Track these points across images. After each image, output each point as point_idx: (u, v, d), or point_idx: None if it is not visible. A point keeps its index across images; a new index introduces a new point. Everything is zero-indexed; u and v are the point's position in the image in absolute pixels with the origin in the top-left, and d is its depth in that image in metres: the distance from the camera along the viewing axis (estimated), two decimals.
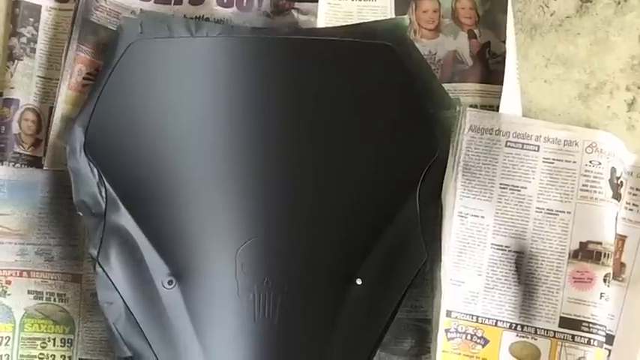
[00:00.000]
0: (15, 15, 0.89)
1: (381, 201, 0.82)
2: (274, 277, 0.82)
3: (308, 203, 0.83)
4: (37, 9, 0.89)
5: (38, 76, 0.88)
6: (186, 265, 0.82)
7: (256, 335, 0.82)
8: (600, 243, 0.81)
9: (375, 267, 0.81)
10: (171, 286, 0.81)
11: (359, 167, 0.83)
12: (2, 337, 0.84)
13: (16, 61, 0.88)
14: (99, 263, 0.79)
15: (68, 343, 0.85)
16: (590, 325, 0.80)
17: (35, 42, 0.89)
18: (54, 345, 0.85)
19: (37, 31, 0.89)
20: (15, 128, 0.87)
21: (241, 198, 0.83)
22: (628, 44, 0.89)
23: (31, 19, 0.89)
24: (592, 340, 0.80)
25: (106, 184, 0.81)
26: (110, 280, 0.79)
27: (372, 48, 0.83)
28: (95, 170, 0.81)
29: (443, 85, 0.85)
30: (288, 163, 0.83)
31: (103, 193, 0.80)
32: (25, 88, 0.88)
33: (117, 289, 0.79)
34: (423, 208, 0.81)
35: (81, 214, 0.80)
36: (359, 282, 0.81)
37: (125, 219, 0.80)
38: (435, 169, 0.81)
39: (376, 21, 0.87)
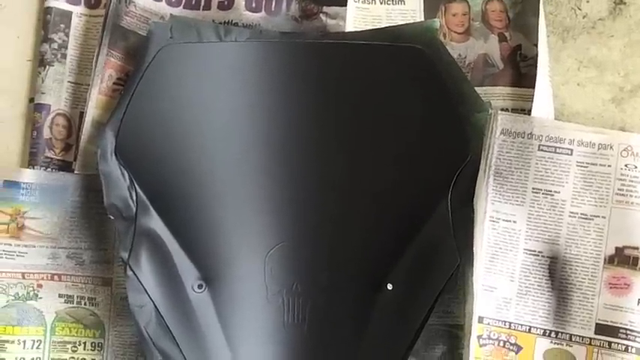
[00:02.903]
0: (46, 21, 0.89)
1: (413, 205, 0.81)
2: (303, 282, 0.82)
3: (338, 208, 0.82)
4: (67, 15, 0.90)
5: (69, 82, 0.89)
6: (216, 269, 0.81)
7: (286, 341, 0.81)
8: (637, 248, 0.79)
9: (406, 272, 0.80)
10: (201, 290, 0.81)
11: (390, 171, 0.82)
12: (34, 341, 0.84)
13: (47, 66, 0.89)
14: (129, 266, 0.79)
15: (98, 347, 0.85)
16: (628, 332, 0.78)
17: (66, 48, 0.89)
18: (84, 349, 0.85)
19: (67, 37, 0.90)
20: (46, 133, 0.88)
21: (271, 202, 0.82)
22: None
23: (62, 25, 0.90)
24: (630, 348, 0.78)
25: (137, 187, 0.81)
26: (141, 283, 0.79)
27: (403, 51, 0.83)
28: (126, 174, 0.81)
29: None
30: (318, 167, 0.83)
31: (134, 197, 0.81)
32: (55, 94, 0.88)
33: (147, 293, 0.79)
34: (455, 212, 0.80)
35: (112, 217, 0.81)
36: (390, 287, 0.80)
37: (155, 222, 0.81)
38: (468, 172, 0.80)
39: (406, 24, 0.86)
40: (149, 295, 0.79)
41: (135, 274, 0.79)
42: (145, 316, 0.79)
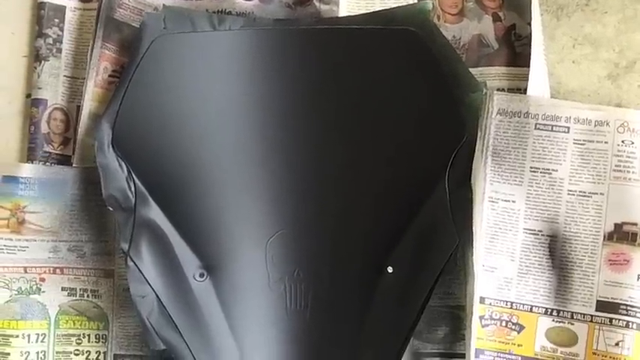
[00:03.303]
0: (40, 16, 0.90)
1: (411, 187, 0.81)
2: (305, 268, 0.82)
3: (336, 193, 0.83)
4: (61, 10, 0.90)
5: (65, 76, 0.89)
6: (217, 258, 0.82)
7: (289, 327, 0.82)
8: (636, 224, 0.79)
9: (405, 254, 0.80)
10: (203, 278, 0.81)
11: (387, 155, 0.82)
12: (38, 334, 0.85)
13: (42, 61, 0.89)
14: (130, 257, 0.79)
15: (102, 338, 0.86)
16: (628, 308, 0.78)
17: (61, 42, 0.90)
18: (89, 341, 0.85)
19: (62, 31, 0.90)
20: (44, 128, 0.88)
21: (270, 189, 0.83)
22: None
23: (56, 20, 0.90)
24: (630, 323, 0.78)
25: (135, 178, 0.81)
26: (142, 273, 0.79)
27: (396, 34, 0.82)
28: (123, 165, 0.81)
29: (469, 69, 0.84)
30: (314, 153, 0.83)
31: (132, 188, 0.81)
32: (52, 88, 0.89)
33: (148, 283, 0.79)
34: (452, 193, 0.80)
35: (111, 208, 0.81)
36: (390, 270, 0.80)
37: (155, 213, 0.81)
38: (464, 152, 0.80)
39: (399, 7, 0.86)
40: (150, 285, 0.79)
41: (136, 265, 0.79)
42: (147, 306, 0.79)
